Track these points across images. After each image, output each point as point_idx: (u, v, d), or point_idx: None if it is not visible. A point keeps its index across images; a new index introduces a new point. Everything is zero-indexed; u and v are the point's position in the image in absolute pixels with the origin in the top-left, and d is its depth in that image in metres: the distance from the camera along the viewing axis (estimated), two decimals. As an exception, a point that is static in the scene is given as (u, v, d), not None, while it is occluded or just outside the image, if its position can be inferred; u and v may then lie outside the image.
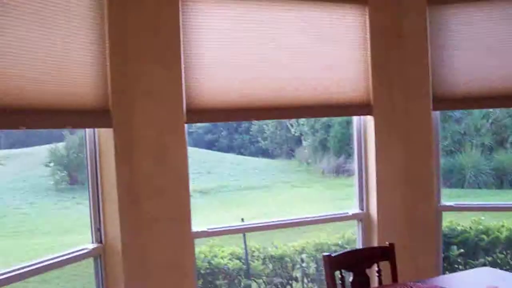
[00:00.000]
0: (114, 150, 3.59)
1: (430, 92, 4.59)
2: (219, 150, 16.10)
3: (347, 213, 4.69)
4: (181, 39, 3.90)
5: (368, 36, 4.53)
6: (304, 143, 15.62)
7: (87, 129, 3.64)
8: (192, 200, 4.04)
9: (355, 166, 4.75)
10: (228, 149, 16.13)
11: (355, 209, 4.70)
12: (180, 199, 3.97)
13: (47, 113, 3.16)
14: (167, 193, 3.91)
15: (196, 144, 15.50)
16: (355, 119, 4.68)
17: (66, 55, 3.27)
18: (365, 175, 4.67)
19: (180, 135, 3.93)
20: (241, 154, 16.44)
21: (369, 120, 4.61)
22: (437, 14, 4.59)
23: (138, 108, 3.79)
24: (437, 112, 4.70)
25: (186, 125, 3.97)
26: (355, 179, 4.73)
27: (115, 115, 3.60)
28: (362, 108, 4.54)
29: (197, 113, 3.97)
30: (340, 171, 14.21)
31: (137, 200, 3.79)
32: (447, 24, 4.59)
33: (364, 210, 4.68)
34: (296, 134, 15.51)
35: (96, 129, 3.65)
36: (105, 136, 3.65)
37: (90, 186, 3.67)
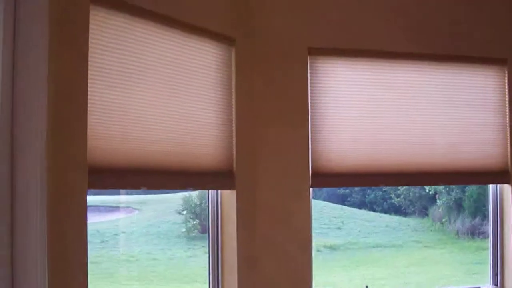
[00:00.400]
0: (236, 213, 3.61)
1: None
2: (351, 205, 15.90)
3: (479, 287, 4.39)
4: (309, 100, 3.91)
5: (506, 99, 4.31)
6: (438, 202, 15.08)
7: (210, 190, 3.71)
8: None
9: (489, 237, 4.46)
10: (361, 204, 15.91)
11: (488, 285, 4.39)
12: (302, 266, 3.92)
13: (169, 174, 3.26)
14: (289, 258, 3.88)
15: (328, 198, 15.43)
16: (490, 187, 4.42)
17: (192, 117, 3.38)
18: (500, 247, 4.38)
19: (304, 199, 3.90)
20: (373, 210, 16.15)
21: (506, 188, 4.33)
22: None
23: (263, 172, 3.81)
24: None
25: (311, 189, 3.93)
26: (489, 251, 4.44)
27: (239, 177, 3.65)
28: (498, 175, 4.29)
29: (323, 177, 3.94)
30: (475, 232, 13.49)
31: (256, 265, 3.77)
32: None
33: (499, 286, 4.35)
34: (431, 193, 14.99)
35: (219, 191, 3.70)
36: (228, 198, 3.68)
37: (210, 250, 3.72)
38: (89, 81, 2.76)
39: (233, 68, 3.66)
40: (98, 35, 2.82)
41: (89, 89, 2.76)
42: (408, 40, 4.17)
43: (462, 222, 14.31)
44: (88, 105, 2.75)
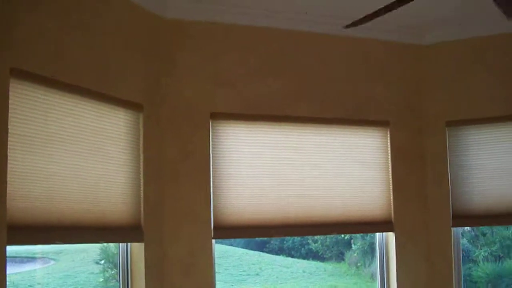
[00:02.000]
0: (144, 264, 4.01)
1: (450, 209, 4.91)
2: (270, 251, 16.32)
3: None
4: (211, 161, 4.39)
5: (389, 157, 4.93)
6: (353, 246, 15.70)
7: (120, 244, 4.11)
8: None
9: (377, 280, 5.02)
10: (279, 250, 16.37)
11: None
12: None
13: (84, 229, 3.63)
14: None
15: (247, 245, 15.78)
16: (377, 235, 5.00)
17: (105, 177, 3.79)
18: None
19: (207, 250, 4.34)
20: (291, 256, 16.61)
21: (391, 236, 4.92)
22: (456, 135, 4.98)
23: (169, 226, 4.25)
24: (458, 229, 4.99)
25: (213, 241, 4.37)
26: (377, 294, 4.99)
27: (146, 231, 4.06)
28: (383, 225, 4.87)
29: (224, 230, 4.39)
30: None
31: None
32: (465, 145, 4.98)
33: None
34: (346, 238, 15.60)
35: (129, 244, 4.10)
36: (138, 250, 4.08)
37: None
38: (9, 147, 3.09)
39: (141, 132, 4.10)
40: (18, 106, 3.18)
41: (9, 154, 3.09)
42: (307, 106, 4.74)
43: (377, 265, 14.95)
44: (9, 168, 3.08)
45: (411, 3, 3.05)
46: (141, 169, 4.08)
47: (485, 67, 4.98)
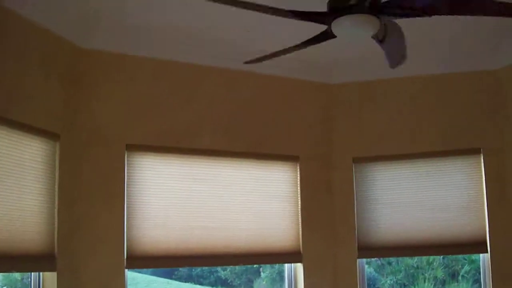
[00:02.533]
0: (56, 293, 4.02)
1: (355, 241, 5.18)
2: (178, 279, 16.21)
3: None
4: (125, 190, 4.47)
5: (298, 190, 5.16)
6: (262, 274, 15.89)
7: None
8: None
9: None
10: (188, 278, 16.27)
11: None
12: None
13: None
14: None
15: (155, 273, 15.60)
16: (286, 265, 5.19)
17: (19, 205, 3.80)
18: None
19: (121, 279, 4.39)
20: (200, 283, 16.57)
21: (299, 266, 5.12)
22: (362, 170, 5.28)
23: (83, 254, 4.28)
24: (363, 260, 5.25)
25: (126, 270, 4.44)
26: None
27: (59, 259, 4.08)
28: (292, 256, 5.07)
29: (138, 260, 4.47)
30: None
31: None
32: (371, 179, 5.28)
33: None
34: (255, 266, 15.74)
35: (41, 273, 4.10)
36: (50, 279, 4.08)
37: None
38: None
39: (57, 160, 4.14)
40: None
41: None
42: (219, 139, 4.91)
43: (284, 293, 15.21)
44: None
45: (319, 44, 3.25)
46: (56, 198, 4.10)
47: (391, 106, 5.34)
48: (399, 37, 3.12)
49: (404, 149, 5.23)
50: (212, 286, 16.04)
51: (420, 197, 5.19)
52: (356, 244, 5.18)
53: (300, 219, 5.12)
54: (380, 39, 3.13)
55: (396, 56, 3.36)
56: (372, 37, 3.08)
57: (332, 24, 2.97)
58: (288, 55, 3.41)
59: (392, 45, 3.21)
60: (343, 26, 2.95)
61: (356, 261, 5.18)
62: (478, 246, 5.05)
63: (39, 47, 4.07)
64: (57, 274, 4.05)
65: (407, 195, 5.22)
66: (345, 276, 5.18)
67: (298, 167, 5.18)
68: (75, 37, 4.35)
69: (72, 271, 4.21)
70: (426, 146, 5.22)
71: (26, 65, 3.93)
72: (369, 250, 5.22)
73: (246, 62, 3.62)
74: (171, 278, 15.38)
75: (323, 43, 3.25)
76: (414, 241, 5.14)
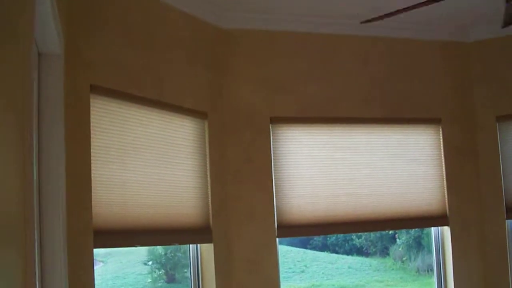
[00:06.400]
0: (214, 263, 4.30)
1: (503, 203, 5.11)
2: (313, 248, 16.50)
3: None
4: (272, 163, 4.68)
5: (442, 153, 5.14)
6: (398, 241, 15.77)
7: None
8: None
9: (434, 274, 5.22)
10: (323, 247, 16.54)
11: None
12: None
13: (158, 233, 3.94)
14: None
15: (291, 243, 15.98)
16: (432, 229, 5.21)
17: (175, 183, 4.11)
18: (444, 282, 5.14)
19: (272, 248, 4.62)
20: (336, 252, 16.78)
21: (446, 230, 5.13)
22: (507, 129, 5.18)
23: (235, 226, 4.54)
24: (512, 221, 5.19)
25: (277, 239, 4.64)
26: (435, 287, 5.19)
27: (215, 232, 4.35)
28: (438, 219, 5.09)
29: (287, 229, 4.67)
30: (435, 269, 14.13)
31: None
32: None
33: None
34: (390, 233, 15.66)
35: (199, 244, 4.40)
36: (207, 250, 4.38)
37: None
38: (92, 158, 3.42)
39: (207, 138, 4.40)
40: (97, 119, 3.51)
41: (92, 164, 3.41)
42: (358, 107, 4.99)
43: (422, 259, 15.00)
44: (92, 178, 3.40)
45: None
46: (208, 173, 4.37)
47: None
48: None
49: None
50: (347, 254, 16.16)
51: None
52: (504, 205, 5.10)
53: (445, 182, 5.11)
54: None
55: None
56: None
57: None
58: (421, 16, 3.34)
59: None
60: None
61: (505, 223, 5.10)
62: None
63: (184, 33, 4.33)
64: (213, 245, 4.32)
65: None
66: (494, 238, 5.13)
67: (440, 130, 5.16)
68: (216, 19, 4.57)
69: (227, 243, 4.49)
70: None
71: (173, 52, 4.18)
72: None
73: (366, 21, 3.59)
74: (306, 248, 15.66)
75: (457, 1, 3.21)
76: None
